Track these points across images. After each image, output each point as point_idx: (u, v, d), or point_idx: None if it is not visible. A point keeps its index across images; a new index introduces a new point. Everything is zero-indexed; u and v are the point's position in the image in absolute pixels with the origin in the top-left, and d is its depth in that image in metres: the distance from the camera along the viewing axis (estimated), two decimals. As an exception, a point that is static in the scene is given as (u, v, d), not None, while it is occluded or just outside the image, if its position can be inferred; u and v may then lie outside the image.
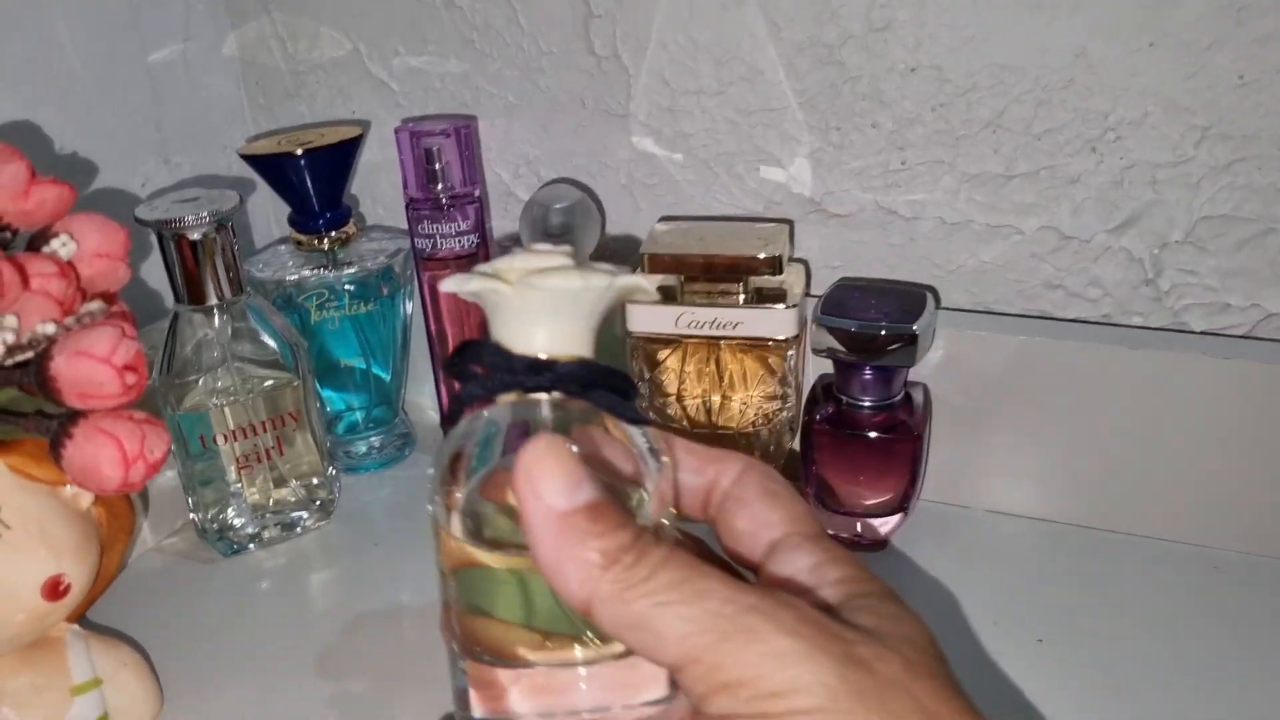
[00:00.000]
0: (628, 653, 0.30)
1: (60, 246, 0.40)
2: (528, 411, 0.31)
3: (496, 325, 0.31)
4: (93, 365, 0.36)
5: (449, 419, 0.31)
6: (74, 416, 0.38)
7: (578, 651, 0.31)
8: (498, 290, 0.29)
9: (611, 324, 0.60)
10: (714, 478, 0.34)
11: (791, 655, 0.25)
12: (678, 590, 0.26)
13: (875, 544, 0.55)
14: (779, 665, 0.25)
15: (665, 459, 0.32)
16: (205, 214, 0.51)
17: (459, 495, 0.32)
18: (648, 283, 0.31)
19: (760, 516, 0.33)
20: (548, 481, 0.27)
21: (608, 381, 0.31)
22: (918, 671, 0.27)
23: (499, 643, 0.31)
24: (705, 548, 0.34)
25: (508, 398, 0.30)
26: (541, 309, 0.30)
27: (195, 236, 0.51)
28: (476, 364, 0.30)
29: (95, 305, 0.38)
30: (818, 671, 0.25)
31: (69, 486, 0.41)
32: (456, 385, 0.32)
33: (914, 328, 0.50)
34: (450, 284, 0.30)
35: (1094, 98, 0.51)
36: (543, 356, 0.30)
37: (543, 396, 0.31)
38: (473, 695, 0.32)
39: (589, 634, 0.32)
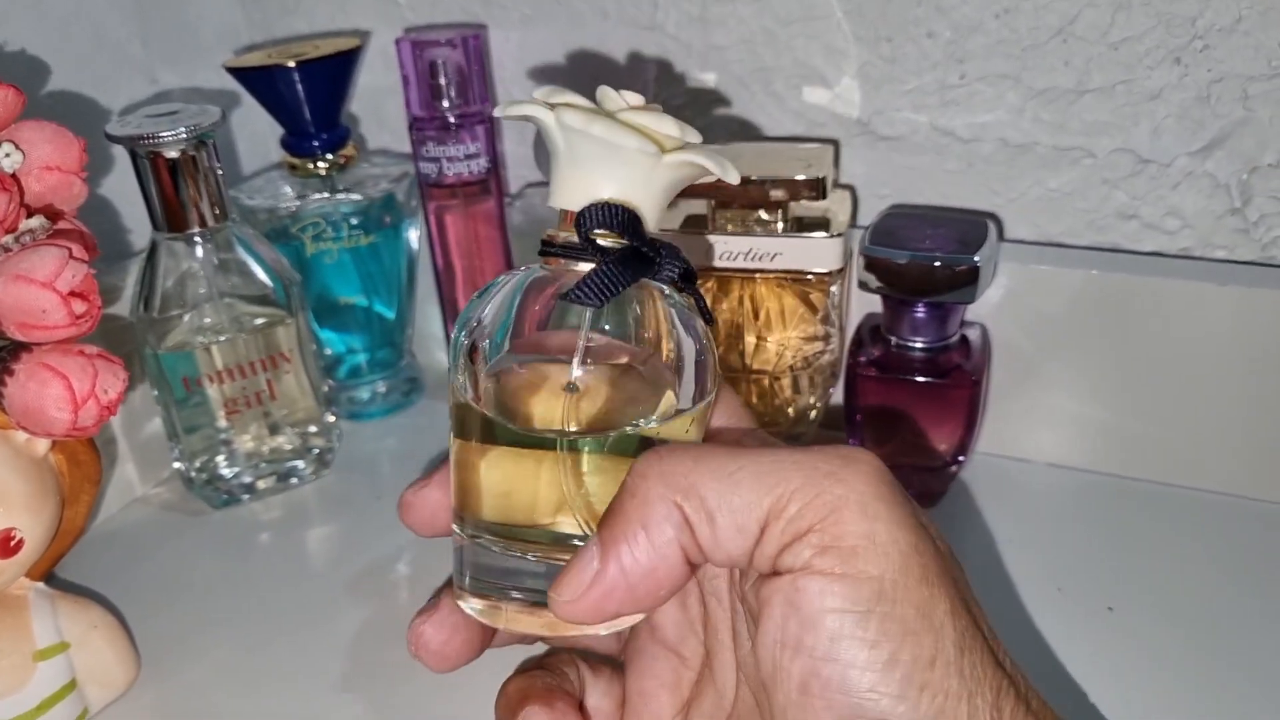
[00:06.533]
0: None
1: (3, 157, 0.35)
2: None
3: (609, 177, 0.28)
4: (34, 291, 0.32)
5: (589, 290, 0.28)
6: (16, 351, 0.33)
7: None
8: (644, 152, 0.27)
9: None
10: None
11: (873, 505, 0.25)
12: (743, 454, 0.26)
13: (923, 499, 0.50)
14: (861, 515, 0.25)
15: (717, 378, 0.31)
16: (183, 129, 0.46)
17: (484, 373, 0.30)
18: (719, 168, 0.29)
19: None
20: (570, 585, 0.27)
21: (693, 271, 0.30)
22: (956, 566, 0.27)
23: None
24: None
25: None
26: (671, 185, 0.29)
27: (172, 154, 0.46)
28: (630, 229, 0.28)
29: (35, 222, 0.33)
30: (894, 530, 0.25)
31: (20, 431, 0.36)
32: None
33: (975, 259, 0.44)
34: (604, 128, 0.27)
35: (1180, 1, 0.45)
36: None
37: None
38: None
39: None
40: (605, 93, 0.30)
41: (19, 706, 0.38)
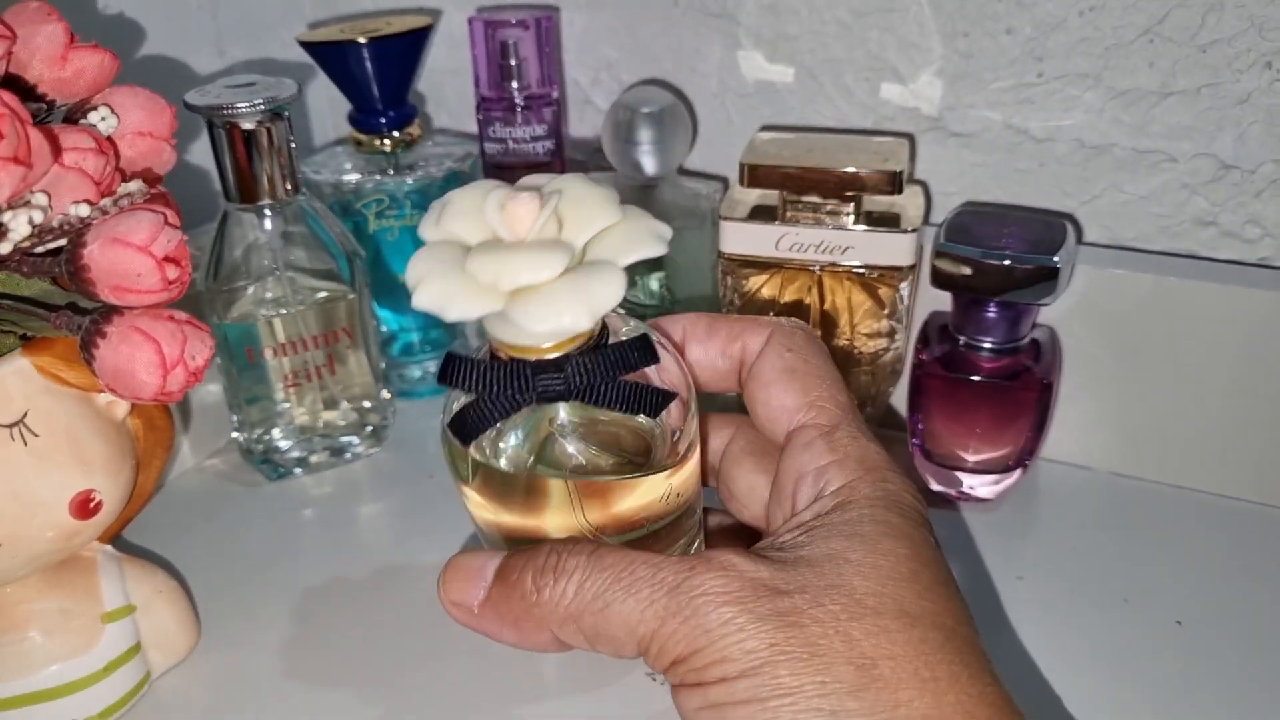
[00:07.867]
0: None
1: (99, 120, 0.35)
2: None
3: (492, 324, 0.29)
4: (130, 254, 0.32)
5: (459, 431, 0.30)
6: (108, 314, 0.33)
7: None
8: (490, 313, 0.27)
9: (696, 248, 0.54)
10: (740, 354, 0.34)
11: (720, 628, 0.27)
12: (611, 588, 0.28)
13: (981, 503, 0.49)
14: (708, 639, 0.27)
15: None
16: (260, 101, 0.46)
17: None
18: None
19: (776, 401, 0.32)
20: (458, 591, 0.31)
21: (620, 361, 0.30)
22: (861, 609, 0.27)
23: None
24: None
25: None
26: None
27: (249, 126, 0.46)
28: (478, 382, 0.29)
29: (134, 185, 0.33)
30: (744, 640, 0.27)
31: (104, 394, 0.36)
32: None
33: (1055, 260, 0.44)
34: (428, 298, 0.27)
35: (1275, 2, 0.44)
36: (546, 352, 0.29)
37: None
38: None
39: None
40: (489, 209, 0.29)
41: (87, 667, 0.38)
